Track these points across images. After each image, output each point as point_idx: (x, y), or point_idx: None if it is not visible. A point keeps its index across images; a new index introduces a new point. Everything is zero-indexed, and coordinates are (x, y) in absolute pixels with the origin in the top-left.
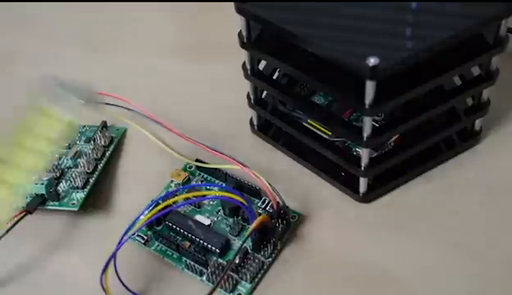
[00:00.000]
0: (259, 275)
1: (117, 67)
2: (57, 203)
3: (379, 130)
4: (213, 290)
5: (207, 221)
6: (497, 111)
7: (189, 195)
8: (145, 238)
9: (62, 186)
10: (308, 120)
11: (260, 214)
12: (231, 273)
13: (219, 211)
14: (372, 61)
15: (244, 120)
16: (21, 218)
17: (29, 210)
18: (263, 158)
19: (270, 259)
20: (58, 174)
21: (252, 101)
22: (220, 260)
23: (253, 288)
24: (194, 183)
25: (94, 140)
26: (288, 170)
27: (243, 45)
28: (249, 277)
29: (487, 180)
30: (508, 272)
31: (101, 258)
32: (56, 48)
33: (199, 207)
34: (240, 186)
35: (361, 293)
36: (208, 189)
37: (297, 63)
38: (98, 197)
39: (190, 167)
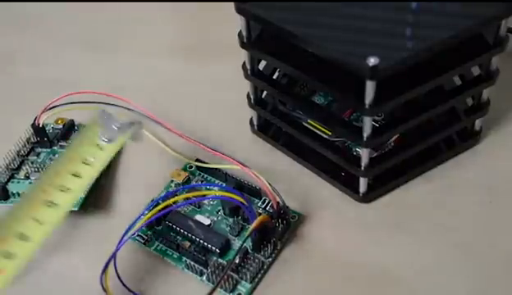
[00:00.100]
0: (259, 275)
1: (117, 67)
2: None
3: (379, 130)
4: (213, 290)
5: (207, 221)
6: (497, 111)
7: (189, 195)
8: (145, 238)
9: None
10: (308, 120)
11: (260, 214)
12: (231, 273)
13: (219, 210)
14: (372, 61)
15: (244, 120)
16: None
17: None
18: (263, 158)
19: (270, 259)
20: None
21: (252, 101)
22: (220, 260)
23: (253, 288)
24: (194, 183)
25: None
26: (288, 170)
27: (243, 45)
28: (249, 277)
29: (487, 180)
30: (508, 272)
31: (101, 258)
32: (56, 48)
33: (199, 207)
34: (240, 186)
35: (361, 293)
36: (208, 189)
37: (297, 63)
38: (98, 197)
39: (190, 167)
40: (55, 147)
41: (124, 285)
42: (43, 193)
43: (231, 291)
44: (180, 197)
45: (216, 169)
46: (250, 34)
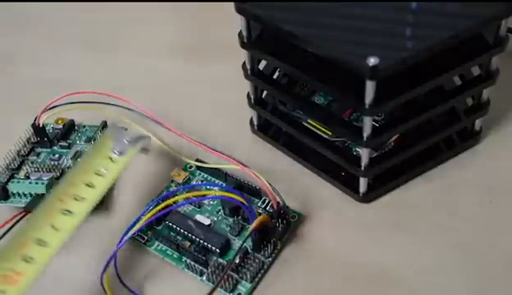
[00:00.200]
0: (259, 275)
1: (117, 67)
2: None
3: (379, 130)
4: (213, 290)
5: (207, 221)
6: (497, 111)
7: (190, 195)
8: (145, 238)
9: None
10: (308, 120)
11: (260, 214)
12: (231, 273)
13: (219, 210)
14: (372, 60)
15: (244, 120)
16: (21, 218)
17: (29, 209)
18: (263, 158)
19: (270, 259)
20: (58, 174)
21: (252, 101)
22: (220, 260)
23: (254, 288)
24: (194, 183)
25: (94, 140)
26: (288, 170)
27: (243, 45)
28: (249, 277)
29: (487, 180)
30: (508, 272)
31: (101, 258)
32: (56, 48)
33: (199, 207)
34: (240, 186)
35: (361, 293)
36: (208, 189)
37: (297, 63)
38: None
39: (190, 167)
40: (55, 147)
41: (124, 285)
42: (60, 202)
43: (231, 291)
44: (180, 197)
45: (216, 169)
46: (250, 34)
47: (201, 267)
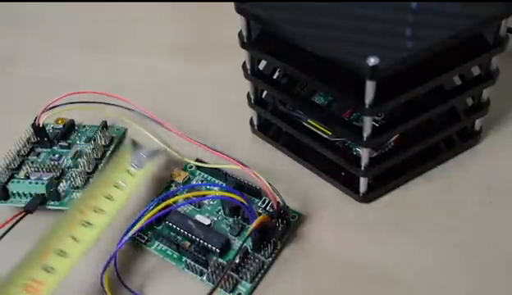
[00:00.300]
0: (259, 275)
1: (117, 67)
2: (57, 203)
3: (379, 130)
4: (213, 290)
5: (207, 221)
6: (497, 111)
7: (190, 195)
8: (145, 238)
9: (62, 186)
10: (308, 120)
11: (260, 214)
12: (231, 273)
13: (219, 210)
14: (372, 60)
15: (244, 120)
16: (21, 218)
17: (29, 209)
18: (263, 158)
19: (270, 259)
20: (58, 174)
21: (252, 101)
22: (220, 260)
23: (254, 288)
24: (194, 183)
25: (94, 140)
26: (288, 170)
27: (243, 45)
28: (249, 277)
29: (487, 180)
30: (508, 272)
31: (101, 258)
32: (56, 48)
33: (199, 207)
34: (240, 186)
35: (361, 293)
36: (208, 189)
37: (297, 63)
38: None
39: (190, 167)
40: (55, 147)
41: (124, 285)
42: (80, 214)
43: (231, 291)
44: (180, 197)
45: (216, 169)
46: (250, 34)
47: (201, 267)
